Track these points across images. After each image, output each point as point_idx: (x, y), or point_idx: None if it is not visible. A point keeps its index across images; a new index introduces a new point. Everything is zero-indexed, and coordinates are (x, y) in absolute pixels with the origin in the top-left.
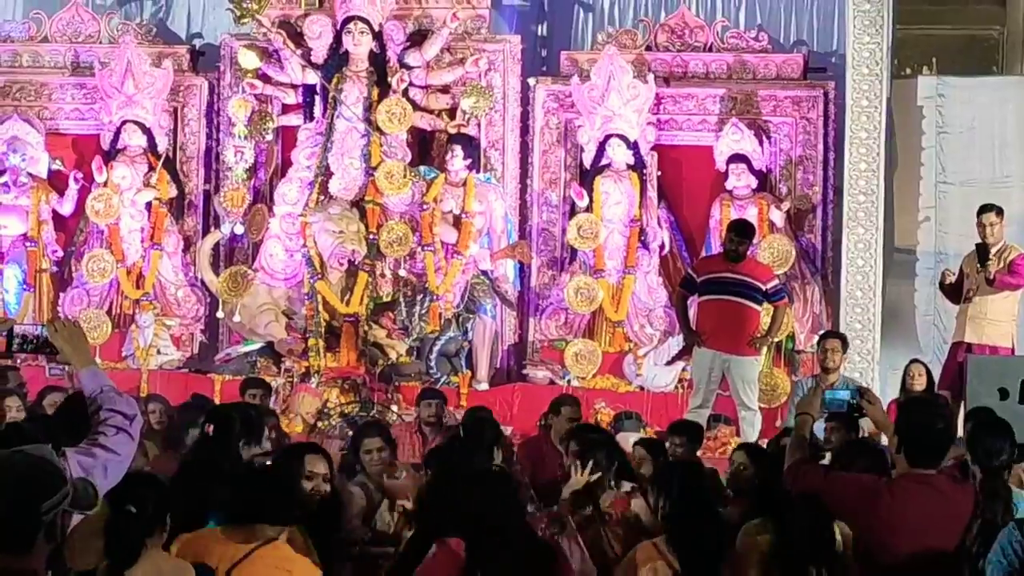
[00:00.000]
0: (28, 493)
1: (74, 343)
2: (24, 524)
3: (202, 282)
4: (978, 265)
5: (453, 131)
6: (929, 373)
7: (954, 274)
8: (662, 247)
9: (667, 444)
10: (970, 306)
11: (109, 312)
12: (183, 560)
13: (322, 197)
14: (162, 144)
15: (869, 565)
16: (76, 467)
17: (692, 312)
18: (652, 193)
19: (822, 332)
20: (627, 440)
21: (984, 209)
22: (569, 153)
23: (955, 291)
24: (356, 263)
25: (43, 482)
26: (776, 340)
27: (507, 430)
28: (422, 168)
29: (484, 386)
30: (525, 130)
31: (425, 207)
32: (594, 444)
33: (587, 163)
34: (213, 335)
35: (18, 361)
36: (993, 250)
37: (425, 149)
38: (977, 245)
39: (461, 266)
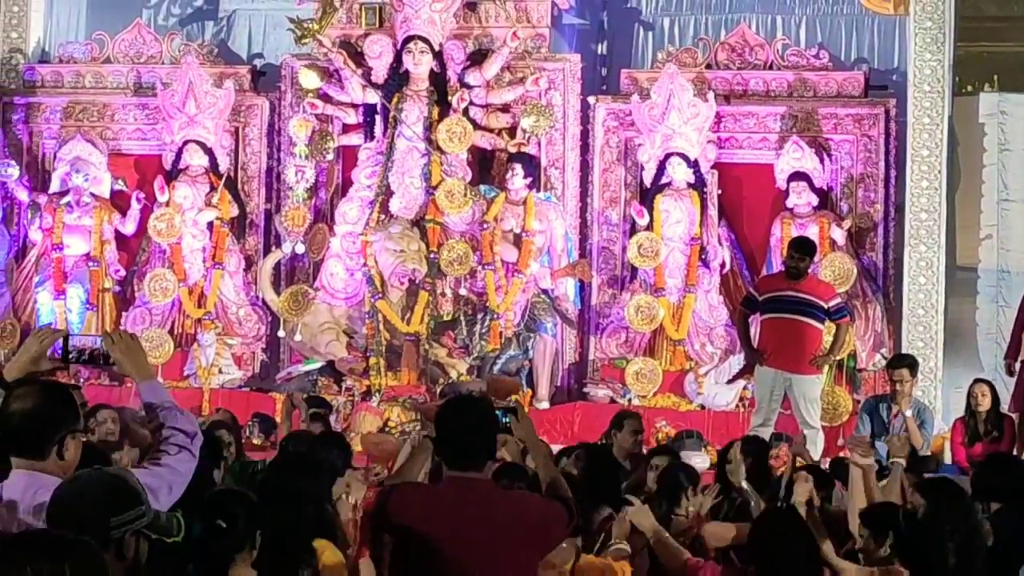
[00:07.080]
0: (98, 505)
1: (132, 355)
2: (91, 535)
3: (263, 301)
4: None
5: (513, 150)
6: (994, 392)
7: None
8: (723, 265)
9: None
10: None
11: (171, 331)
12: None
13: (383, 216)
14: (223, 164)
15: None
16: None
17: (754, 331)
18: (712, 211)
19: (890, 358)
20: (689, 459)
21: None
22: (629, 171)
23: None
24: (417, 282)
25: (115, 498)
26: (838, 359)
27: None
28: (482, 187)
29: (544, 405)
30: (585, 149)
31: (485, 226)
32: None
33: (647, 181)
34: (274, 354)
35: (81, 380)
36: None
37: (485, 168)
38: None
39: (521, 285)
